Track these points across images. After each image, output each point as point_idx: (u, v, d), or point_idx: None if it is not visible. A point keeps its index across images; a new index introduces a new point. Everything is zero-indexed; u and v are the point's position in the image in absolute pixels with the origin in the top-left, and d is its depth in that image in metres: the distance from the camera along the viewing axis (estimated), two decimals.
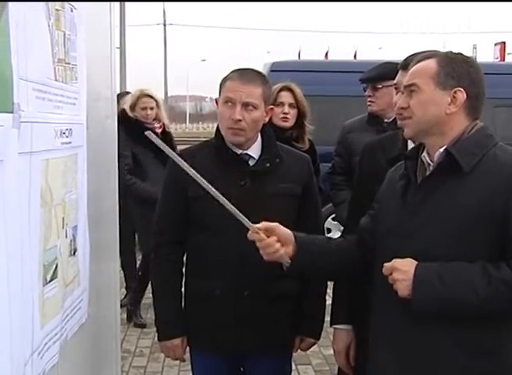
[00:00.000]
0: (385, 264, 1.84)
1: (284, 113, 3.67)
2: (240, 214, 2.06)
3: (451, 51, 1.95)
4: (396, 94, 2.31)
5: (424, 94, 1.87)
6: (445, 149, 1.85)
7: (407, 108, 1.90)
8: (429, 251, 1.79)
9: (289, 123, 3.67)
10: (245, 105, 2.34)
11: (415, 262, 1.79)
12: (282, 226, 2.07)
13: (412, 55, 2.29)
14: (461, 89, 1.84)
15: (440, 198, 1.83)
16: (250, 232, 2.06)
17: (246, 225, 2.06)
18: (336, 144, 4.23)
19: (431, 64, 1.88)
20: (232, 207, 2.07)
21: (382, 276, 1.84)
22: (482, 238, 1.76)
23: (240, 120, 2.33)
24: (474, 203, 1.76)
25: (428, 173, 1.90)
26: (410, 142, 2.30)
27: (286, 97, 3.67)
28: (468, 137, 1.86)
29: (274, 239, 2.04)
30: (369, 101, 3.67)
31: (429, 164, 1.90)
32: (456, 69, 1.86)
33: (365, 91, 3.78)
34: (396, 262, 1.81)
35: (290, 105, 3.68)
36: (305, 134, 3.76)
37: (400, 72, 2.31)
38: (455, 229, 1.78)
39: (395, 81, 2.35)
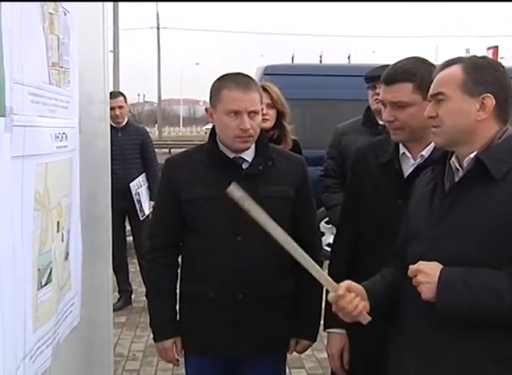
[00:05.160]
0: (411, 266, 1.81)
1: (262, 114, 3.55)
2: (325, 275, 1.95)
3: (475, 56, 1.91)
4: (384, 109, 2.28)
5: (453, 103, 1.83)
6: (475, 156, 1.82)
7: (436, 117, 1.86)
8: (455, 258, 1.76)
9: (269, 124, 3.55)
10: (249, 112, 2.35)
11: (440, 266, 1.76)
12: (353, 283, 1.97)
13: (392, 68, 2.23)
14: (489, 95, 1.80)
15: (468, 205, 1.80)
16: (331, 294, 1.93)
17: (328, 288, 1.94)
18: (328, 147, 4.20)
19: (456, 71, 1.84)
20: (316, 267, 1.94)
21: (408, 281, 1.82)
22: (509, 247, 1.72)
23: (248, 129, 2.34)
24: (503, 211, 1.73)
25: (456, 178, 1.87)
26: (401, 147, 2.30)
27: (263, 97, 3.56)
28: (499, 144, 1.82)
29: (352, 296, 1.92)
30: (379, 100, 3.59)
31: (458, 169, 1.87)
32: (483, 75, 1.81)
33: (369, 88, 3.70)
34: (422, 265, 1.79)
35: (268, 105, 3.57)
36: (287, 134, 3.66)
37: (382, 87, 2.26)
38: (482, 236, 1.74)
39: (380, 97, 2.32)
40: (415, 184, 2.07)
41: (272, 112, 3.56)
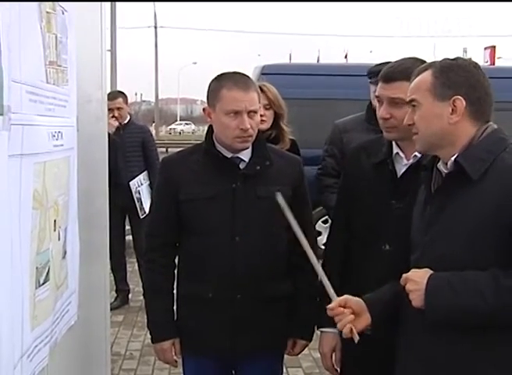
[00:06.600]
0: (403, 275, 1.84)
1: (260, 115, 3.48)
2: (328, 282, 2.01)
3: (447, 59, 1.91)
4: (379, 106, 2.29)
5: (425, 109, 1.84)
6: (454, 158, 1.83)
7: (413, 124, 1.88)
8: (444, 261, 1.78)
9: (266, 126, 3.53)
10: (249, 112, 2.35)
11: (429, 273, 1.78)
12: (351, 297, 2.01)
13: (391, 66, 2.27)
14: (459, 97, 1.79)
15: (453, 208, 1.80)
16: (330, 307, 1.98)
17: (330, 295, 2.00)
18: (327, 144, 4.11)
19: (426, 77, 1.85)
20: (322, 272, 2.03)
21: (402, 289, 1.84)
22: (492, 244, 1.73)
23: (248, 128, 2.35)
24: (486, 210, 1.73)
25: (441, 183, 1.89)
26: (395, 147, 2.31)
27: (260, 98, 3.51)
28: (477, 143, 1.81)
29: (349, 311, 1.97)
30: None
31: (445, 173, 1.89)
32: (451, 78, 1.81)
33: (372, 83, 3.66)
34: (411, 273, 1.81)
35: (265, 106, 3.55)
36: (285, 134, 3.64)
37: (380, 84, 2.28)
38: (468, 237, 1.75)
39: (376, 93, 2.33)
40: (419, 189, 2.08)
41: (269, 113, 3.55)
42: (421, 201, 1.97)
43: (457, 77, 1.82)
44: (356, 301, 1.99)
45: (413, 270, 1.82)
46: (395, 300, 1.99)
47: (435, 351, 1.82)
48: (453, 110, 1.81)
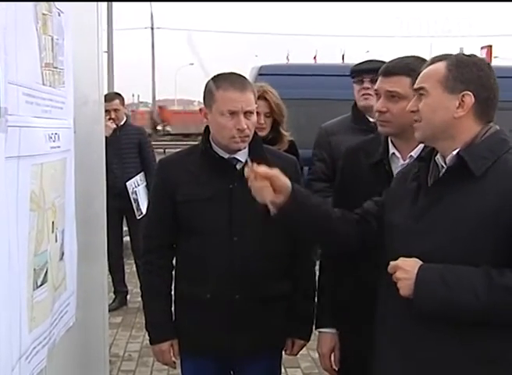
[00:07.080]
0: (391, 262, 1.84)
1: (260, 124, 3.47)
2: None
3: (463, 54, 1.93)
4: (377, 100, 2.30)
5: (432, 98, 1.85)
6: (456, 152, 1.84)
7: (417, 111, 1.89)
8: (435, 254, 1.78)
9: (265, 132, 3.54)
10: (245, 112, 2.36)
11: (419, 262, 1.78)
12: (281, 176, 2.03)
13: (392, 61, 2.29)
14: (469, 93, 1.81)
15: (449, 202, 1.81)
16: (246, 169, 2.03)
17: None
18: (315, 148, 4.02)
19: (440, 67, 1.86)
20: None
21: (388, 275, 1.84)
22: (489, 244, 1.73)
23: (245, 129, 2.35)
24: (483, 208, 1.74)
25: (440, 175, 1.90)
26: (391, 147, 2.31)
27: (262, 106, 3.45)
28: (481, 142, 1.83)
29: (266, 184, 2.01)
30: (367, 95, 3.45)
31: (443, 167, 1.89)
32: (464, 73, 1.83)
33: (356, 83, 3.62)
34: (401, 261, 1.81)
35: (265, 115, 3.55)
36: (283, 135, 3.63)
37: (380, 78, 2.29)
38: (462, 233, 1.76)
39: (375, 87, 2.34)
40: (397, 174, 2.09)
41: (269, 121, 3.55)
42: (409, 190, 1.95)
43: (471, 74, 1.84)
44: (281, 184, 2.02)
45: (402, 259, 1.81)
46: (317, 212, 2.06)
47: (424, 348, 1.82)
48: (459, 104, 1.82)
